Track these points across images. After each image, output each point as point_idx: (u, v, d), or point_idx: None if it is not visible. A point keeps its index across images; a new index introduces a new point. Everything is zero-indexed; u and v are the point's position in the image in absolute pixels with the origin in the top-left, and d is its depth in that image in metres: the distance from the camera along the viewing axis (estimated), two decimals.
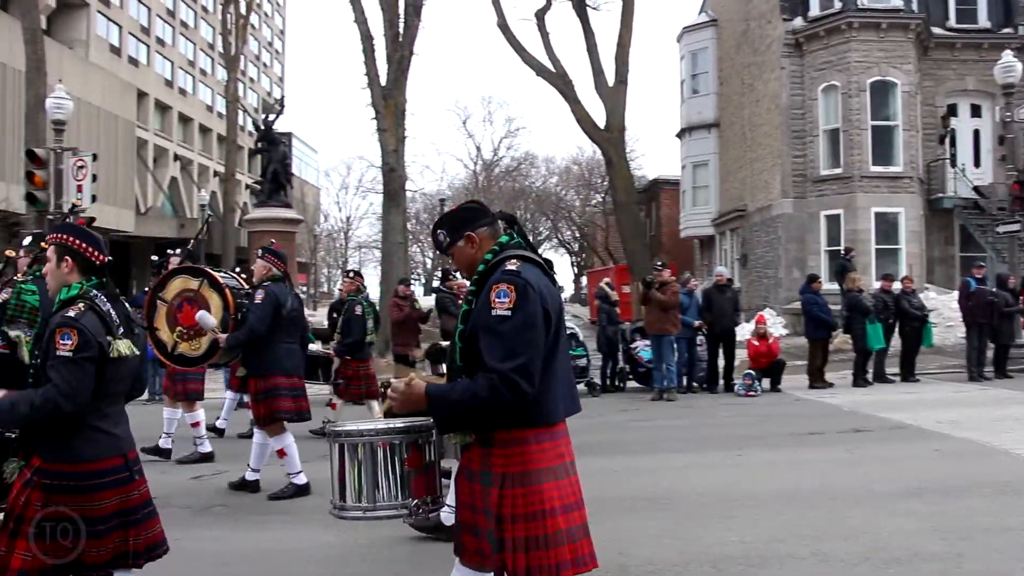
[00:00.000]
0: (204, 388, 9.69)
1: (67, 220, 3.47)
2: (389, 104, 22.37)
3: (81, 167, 15.46)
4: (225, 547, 6.02)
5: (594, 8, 24.36)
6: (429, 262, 62.69)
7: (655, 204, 45.65)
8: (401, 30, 22.56)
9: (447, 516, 5.47)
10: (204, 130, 66.27)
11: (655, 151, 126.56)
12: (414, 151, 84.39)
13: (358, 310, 10.55)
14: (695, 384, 14.70)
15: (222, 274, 7.43)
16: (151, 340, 7.23)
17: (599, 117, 24.05)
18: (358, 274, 11.44)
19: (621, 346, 15.17)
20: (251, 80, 73.96)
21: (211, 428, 10.07)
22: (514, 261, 3.21)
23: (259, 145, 23.23)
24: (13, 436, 3.69)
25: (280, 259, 7.60)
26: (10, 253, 7.87)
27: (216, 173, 62.99)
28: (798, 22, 25.96)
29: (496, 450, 3.14)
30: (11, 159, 34.89)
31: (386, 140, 22.46)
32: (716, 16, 33.97)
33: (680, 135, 36.55)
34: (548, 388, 3.18)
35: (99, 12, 51.50)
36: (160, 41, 60.53)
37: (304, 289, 32.25)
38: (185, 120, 63.27)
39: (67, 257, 3.68)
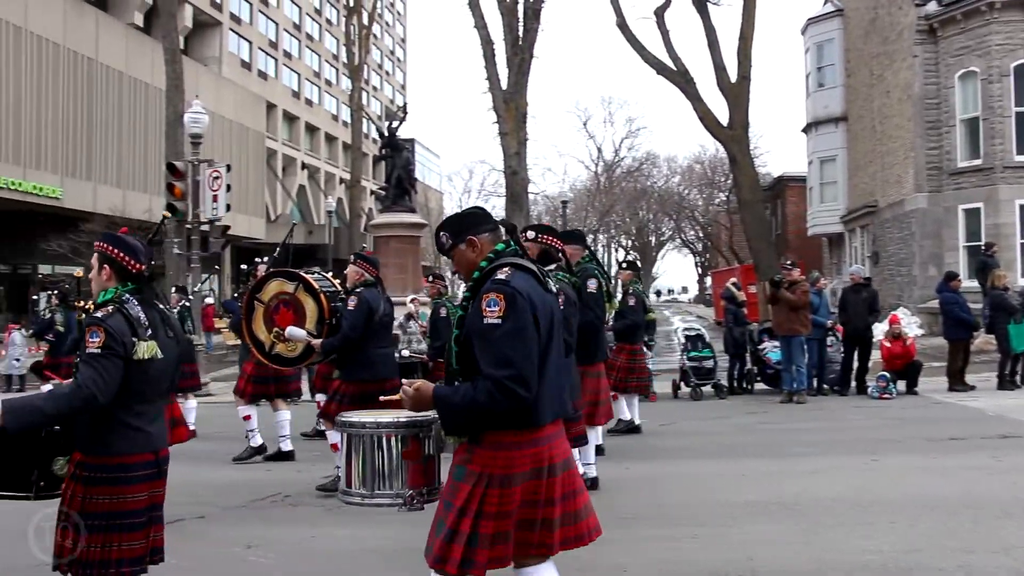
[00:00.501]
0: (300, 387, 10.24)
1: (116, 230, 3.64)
2: (510, 108, 22.52)
3: (216, 178, 16.08)
4: (357, 545, 6.12)
5: (715, 3, 23.91)
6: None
7: (780, 202, 44.59)
8: (520, 34, 22.68)
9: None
10: (330, 139, 68.22)
11: (780, 147, 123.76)
12: (535, 154, 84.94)
13: (443, 312, 10.52)
14: (825, 386, 14.24)
15: (316, 277, 7.53)
16: (249, 340, 7.50)
17: (722, 114, 23.60)
18: (439, 277, 11.49)
19: (748, 347, 14.83)
20: (374, 89, 75.69)
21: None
22: (506, 270, 3.33)
23: (383, 152, 23.71)
24: (58, 430, 3.86)
25: (372, 264, 7.70)
26: (78, 274, 8.25)
27: (342, 180, 64.71)
28: (932, 7, 24.86)
29: (480, 449, 3.29)
30: (153, 172, 36.70)
31: (508, 144, 22.61)
32: (842, 6, 32.89)
33: (806, 130, 35.59)
34: (538, 392, 3.28)
35: (231, 30, 53.62)
36: (287, 54, 62.62)
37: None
38: (312, 130, 65.27)
39: (106, 265, 3.91)
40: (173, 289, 13.39)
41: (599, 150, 70.35)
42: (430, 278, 10.92)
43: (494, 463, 3.27)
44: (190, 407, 11.05)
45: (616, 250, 78.04)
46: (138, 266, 3.94)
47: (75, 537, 3.66)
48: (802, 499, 7.00)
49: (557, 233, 6.17)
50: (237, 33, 54.95)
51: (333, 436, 7.32)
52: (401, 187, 23.05)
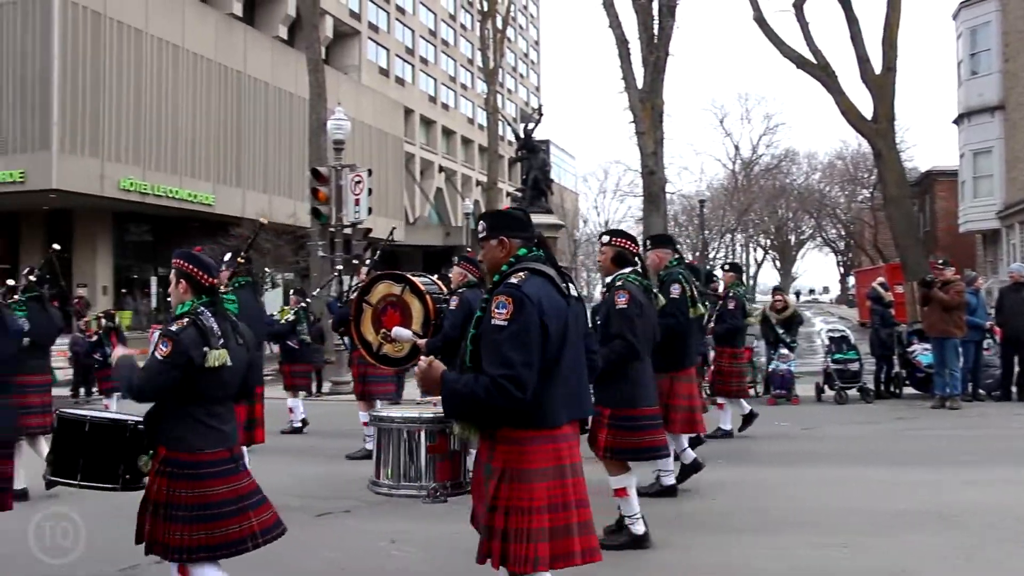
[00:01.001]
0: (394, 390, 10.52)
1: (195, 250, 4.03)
2: (646, 107, 22.31)
3: (358, 182, 16.53)
4: None
5: None
6: None
7: (929, 197, 42.72)
8: (656, 32, 22.41)
9: (638, 526, 5.70)
10: (466, 142, 69.25)
11: (928, 140, 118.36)
12: (671, 152, 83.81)
13: (453, 303, 10.37)
14: (982, 392, 13.54)
15: (422, 279, 7.66)
16: (357, 341, 7.58)
17: (865, 108, 22.71)
18: (470, 261, 11.20)
19: (896, 350, 14.24)
20: (509, 91, 76.42)
21: None
22: (521, 274, 3.47)
23: (519, 153, 23.87)
24: (141, 429, 4.26)
25: (475, 266, 7.76)
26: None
27: (478, 182, 65.57)
28: None
29: (499, 446, 3.45)
30: (297, 178, 38.06)
31: (644, 143, 22.40)
32: None
33: (957, 121, 33.96)
34: (549, 394, 3.43)
35: (369, 38, 55.09)
36: (424, 60, 63.86)
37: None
38: (448, 133, 66.39)
39: (182, 279, 4.27)
40: (292, 292, 13.79)
41: (736, 148, 68.91)
42: (456, 260, 10.35)
43: (509, 457, 3.43)
44: (293, 404, 11.67)
45: (754, 249, 76.34)
46: (210, 280, 4.29)
47: (163, 526, 4.02)
48: (961, 511, 6.65)
49: (632, 237, 6.13)
50: (375, 41, 56.41)
51: None
52: (537, 188, 23.15)
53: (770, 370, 13.81)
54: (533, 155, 23.22)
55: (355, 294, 8.07)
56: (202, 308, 4.20)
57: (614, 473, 5.86)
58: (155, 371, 4.02)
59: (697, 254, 52.90)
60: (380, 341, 7.45)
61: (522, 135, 23.94)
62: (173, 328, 4.08)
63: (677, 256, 7.57)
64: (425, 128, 62.70)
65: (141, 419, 4.26)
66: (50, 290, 8.50)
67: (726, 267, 11.74)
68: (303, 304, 12.49)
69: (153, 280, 34.78)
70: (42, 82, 30.28)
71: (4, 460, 5.05)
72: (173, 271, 4.33)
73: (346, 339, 9.72)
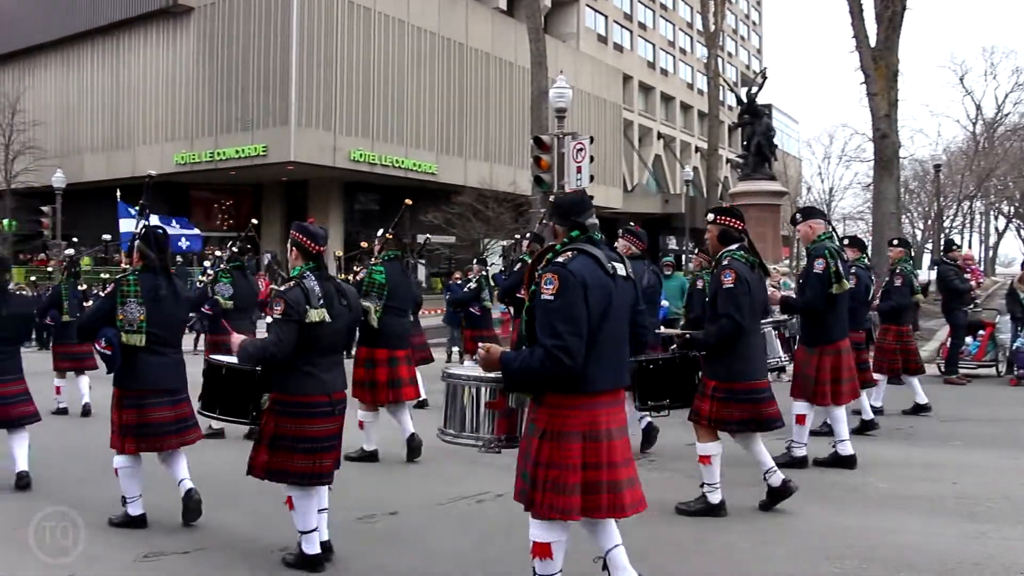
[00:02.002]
0: None
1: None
2: (879, 66, 21.00)
3: (580, 150, 16.52)
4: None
5: None
6: (920, 233, 58.22)
7: None
8: None
9: (714, 495, 5.90)
10: (685, 107, 67.97)
11: None
12: (904, 114, 78.83)
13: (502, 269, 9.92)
14: None
15: None
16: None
17: None
18: (537, 238, 10.50)
19: None
20: (729, 55, 74.18)
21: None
22: (567, 253, 3.84)
23: (742, 118, 23.10)
24: (261, 372, 5.04)
25: (640, 239, 8.05)
26: (364, 244, 9.38)
27: (698, 149, 64.35)
28: None
29: (543, 409, 3.84)
30: (517, 147, 38.70)
31: (877, 105, 21.12)
32: None
33: None
34: (591, 362, 3.77)
35: (587, 5, 54.94)
36: (642, 25, 63.04)
37: (787, 262, 31.54)
38: (667, 99, 65.38)
39: (294, 248, 4.95)
40: (475, 261, 13.93)
41: (978, 107, 63.82)
42: (620, 232, 9.78)
43: (551, 421, 3.81)
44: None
45: (995, 218, 70.72)
46: (317, 248, 4.94)
47: (266, 452, 4.84)
48: None
49: (738, 214, 6.10)
50: (593, 8, 56.19)
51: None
52: (761, 154, 22.33)
53: (1015, 348, 12.69)
54: (756, 120, 22.38)
55: (519, 265, 8.30)
56: (308, 272, 4.84)
57: (703, 441, 5.96)
58: (276, 329, 4.69)
59: (930, 222, 49.68)
60: None
61: (745, 99, 23.12)
62: (282, 288, 4.82)
63: (831, 228, 7.41)
64: (644, 94, 62.03)
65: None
66: (249, 260, 9.15)
67: (894, 242, 11.03)
68: (484, 272, 12.71)
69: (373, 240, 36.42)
70: (282, 64, 32.30)
71: (180, 404, 5.83)
72: (289, 240, 4.99)
73: (511, 308, 9.72)
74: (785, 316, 7.54)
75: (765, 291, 6.11)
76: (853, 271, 8.53)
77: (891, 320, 10.06)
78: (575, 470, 3.77)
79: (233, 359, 5.23)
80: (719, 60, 47.48)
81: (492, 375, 4.06)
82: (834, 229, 7.61)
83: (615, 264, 3.90)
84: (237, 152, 33.35)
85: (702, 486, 5.97)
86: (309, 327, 4.72)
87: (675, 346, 6.36)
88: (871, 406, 9.86)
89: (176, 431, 5.77)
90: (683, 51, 69.55)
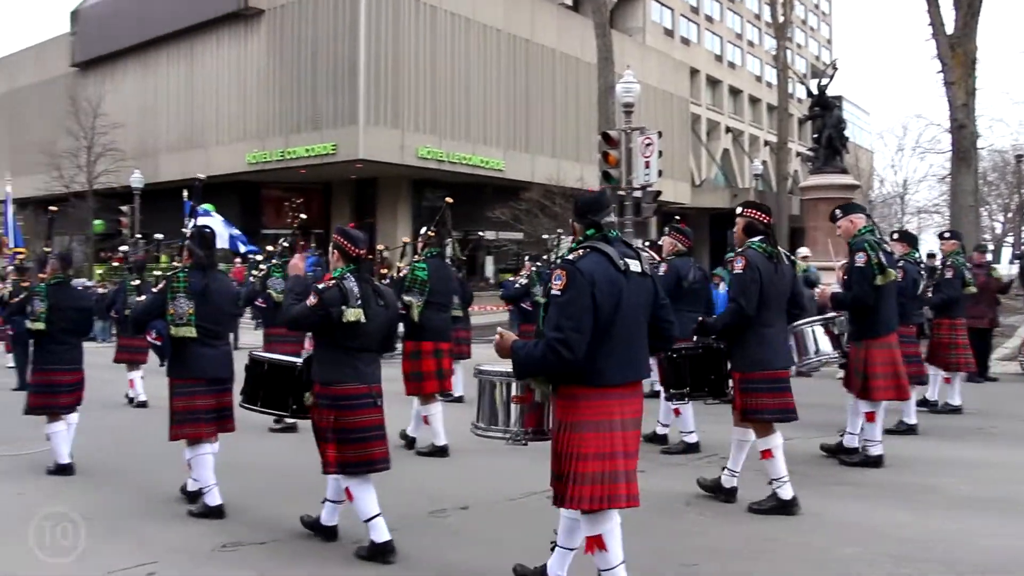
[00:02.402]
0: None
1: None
2: (957, 54, 20.44)
3: (648, 144, 16.46)
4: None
5: None
6: (999, 226, 56.54)
7: None
8: None
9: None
10: (753, 101, 67.08)
11: None
12: (982, 103, 76.60)
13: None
14: None
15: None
16: None
17: None
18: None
19: None
20: (798, 46, 72.92)
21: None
22: (578, 251, 4.02)
23: (813, 111, 22.72)
24: (302, 370, 5.42)
25: (685, 236, 8.43)
26: (406, 239, 10.45)
27: (767, 142, 63.46)
28: None
29: (559, 400, 4.02)
30: (584, 142, 38.60)
31: (954, 94, 20.56)
32: None
33: None
34: (602, 356, 3.93)
35: None
36: (709, 18, 62.36)
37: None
38: (735, 92, 64.59)
39: (335, 250, 5.27)
40: (527, 258, 13.97)
41: None
42: (667, 230, 9.82)
43: (566, 411, 3.98)
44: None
45: None
46: (356, 251, 5.23)
47: (321, 446, 5.13)
48: None
49: (764, 208, 6.28)
50: (660, 2, 55.76)
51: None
52: (832, 147, 21.93)
53: None
54: (827, 112, 21.98)
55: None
56: (348, 274, 5.14)
57: (759, 436, 6.00)
58: (304, 313, 5.11)
59: (1010, 215, 48.25)
60: None
61: (815, 91, 22.72)
62: (320, 286, 5.11)
63: (870, 224, 7.43)
64: (711, 88, 61.37)
65: (302, 363, 5.49)
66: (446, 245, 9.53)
67: (946, 235, 11.06)
68: (535, 268, 12.82)
69: (448, 243, 36.70)
70: (350, 63, 32.71)
71: (224, 393, 6.18)
72: (331, 243, 5.32)
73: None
74: (833, 313, 7.52)
75: (787, 283, 6.14)
76: (900, 265, 8.44)
77: (943, 314, 9.99)
78: (591, 459, 3.90)
79: (278, 356, 5.86)
80: (788, 52, 46.73)
81: None
82: (874, 224, 7.59)
83: (628, 261, 4.02)
84: (307, 151, 33.86)
85: (770, 483, 5.97)
86: (345, 326, 5.03)
87: (695, 336, 6.47)
88: (948, 404, 9.76)
89: (216, 419, 6.15)
90: (751, 43, 68.61)
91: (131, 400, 11.38)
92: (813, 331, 7.00)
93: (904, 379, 7.39)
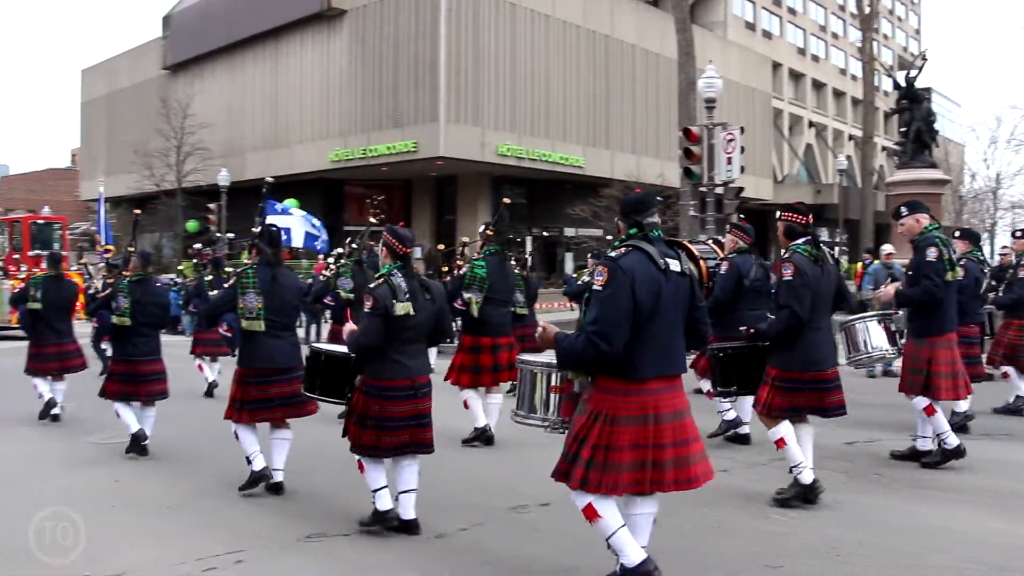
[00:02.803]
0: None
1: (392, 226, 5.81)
2: None
3: (730, 140, 16.26)
4: (875, 514, 5.84)
5: None
6: None
7: None
8: None
9: (805, 476, 6.00)
10: (838, 94, 65.66)
11: None
12: None
13: (723, 267, 9.43)
14: None
15: (699, 246, 7.96)
16: None
17: None
18: (739, 228, 9.98)
19: None
20: (885, 37, 71.11)
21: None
22: (620, 249, 4.21)
23: (900, 104, 22.14)
24: (353, 359, 5.62)
25: (747, 233, 8.31)
26: (465, 239, 10.83)
27: (851, 137, 62.12)
28: None
29: (596, 392, 4.20)
30: (664, 139, 38.34)
31: None
32: None
33: None
34: (638, 352, 4.10)
35: None
36: (791, 11, 61.23)
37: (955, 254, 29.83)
38: (818, 86, 63.33)
39: (383, 247, 5.61)
40: (588, 255, 13.86)
41: None
42: (728, 227, 9.67)
43: (603, 404, 4.15)
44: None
45: None
46: (403, 249, 5.54)
47: (355, 429, 5.47)
48: None
49: (802, 211, 6.38)
50: None
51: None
52: (920, 141, 21.34)
53: None
54: (915, 105, 21.39)
55: None
56: (395, 271, 5.44)
57: (770, 426, 6.14)
58: (365, 322, 5.36)
59: None
60: None
61: (903, 83, 22.14)
62: (372, 285, 5.45)
63: (935, 223, 7.38)
64: (794, 82, 60.24)
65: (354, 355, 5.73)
66: (368, 258, 10.09)
67: (1017, 233, 10.69)
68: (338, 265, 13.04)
69: (528, 240, 36.77)
70: (431, 61, 33.02)
71: (294, 381, 6.45)
72: (380, 240, 5.65)
73: None
74: (891, 309, 7.58)
75: (832, 282, 6.22)
76: (962, 263, 8.36)
77: (1014, 314, 9.78)
78: (624, 450, 4.09)
79: (335, 347, 6.20)
80: (874, 43, 45.60)
81: (554, 360, 4.44)
82: (938, 222, 7.56)
83: (668, 260, 4.20)
84: (388, 148, 34.28)
85: (791, 471, 6.06)
86: (396, 319, 5.34)
87: (744, 337, 6.55)
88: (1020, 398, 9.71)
89: (291, 404, 6.53)
90: (835, 35, 67.12)
91: (210, 390, 11.79)
92: (867, 327, 7.16)
93: (965, 378, 7.38)
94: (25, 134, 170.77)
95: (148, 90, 45.86)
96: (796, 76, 60.53)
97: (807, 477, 6.02)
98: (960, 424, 8.16)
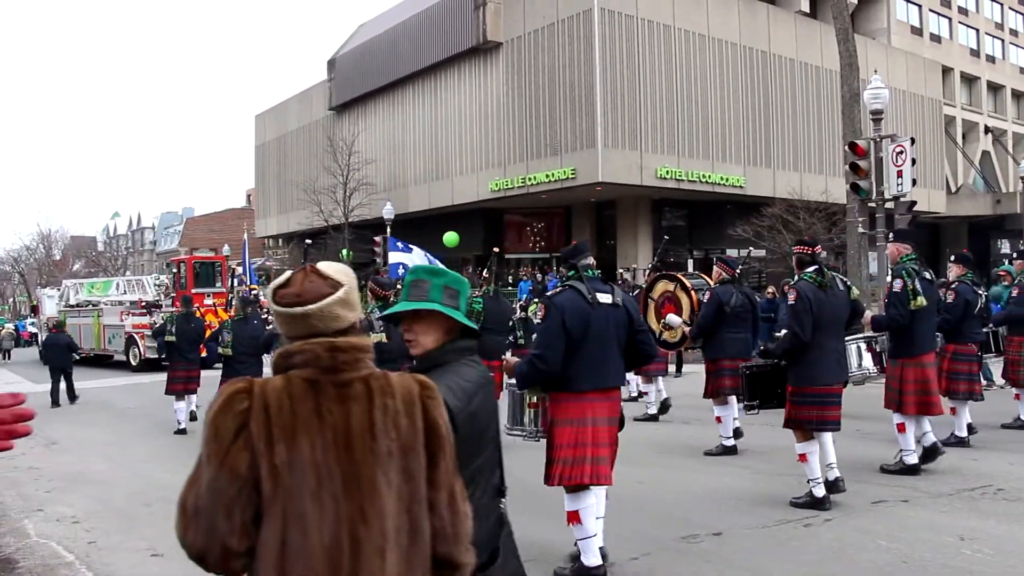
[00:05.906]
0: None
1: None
2: None
3: (900, 152, 15.64)
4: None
5: None
6: None
7: None
8: None
9: (818, 489, 6.83)
10: (1017, 96, 62.04)
11: None
12: None
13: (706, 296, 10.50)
14: None
15: (692, 279, 9.83)
16: None
17: None
18: (724, 263, 10.48)
19: None
20: None
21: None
22: (558, 288, 5.44)
23: None
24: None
25: (730, 265, 9.65)
26: (485, 275, 11.70)
27: None
28: None
29: (551, 404, 5.32)
30: (827, 154, 37.24)
31: None
32: None
33: None
34: (574, 369, 5.14)
35: None
36: (962, 10, 58.29)
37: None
38: (994, 88, 60.00)
39: (370, 292, 6.49)
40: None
41: None
42: (715, 260, 10.68)
43: (555, 411, 5.27)
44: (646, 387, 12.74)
45: None
46: (384, 293, 7.06)
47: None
48: None
49: (809, 243, 7.41)
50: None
51: (721, 410, 9.48)
52: None
53: None
54: None
55: (642, 292, 10.13)
56: (375, 309, 6.41)
57: (798, 441, 7.01)
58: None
59: None
60: (661, 329, 9.54)
61: None
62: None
63: (914, 254, 8.16)
64: (966, 86, 57.28)
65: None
66: (499, 284, 11.77)
67: (1015, 255, 11.45)
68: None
69: (690, 263, 36.27)
70: (587, 88, 33.21)
71: None
72: (367, 287, 6.73)
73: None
74: (876, 333, 8.43)
75: (840, 308, 7.02)
76: (954, 286, 9.38)
77: (1015, 331, 10.41)
78: (565, 448, 5.11)
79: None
80: None
81: None
82: (917, 255, 8.28)
83: (599, 295, 5.24)
84: (547, 176, 34.64)
85: (808, 482, 6.88)
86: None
87: (759, 355, 7.72)
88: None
89: None
90: (1013, 32, 63.40)
91: None
92: (858, 347, 8.24)
93: (934, 396, 8.07)
94: (207, 178, 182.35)
95: (315, 131, 48.12)
96: (969, 80, 57.54)
97: (819, 492, 6.86)
98: (955, 443, 9.08)
